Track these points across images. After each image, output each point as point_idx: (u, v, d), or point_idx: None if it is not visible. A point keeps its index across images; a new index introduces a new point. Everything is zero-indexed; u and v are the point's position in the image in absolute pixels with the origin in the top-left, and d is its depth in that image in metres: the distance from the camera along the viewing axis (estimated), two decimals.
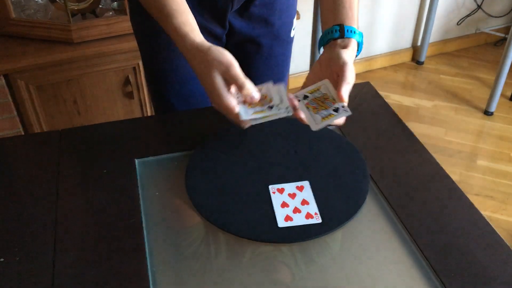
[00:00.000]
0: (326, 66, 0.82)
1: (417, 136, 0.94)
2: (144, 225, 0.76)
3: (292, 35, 1.15)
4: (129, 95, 1.80)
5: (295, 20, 1.14)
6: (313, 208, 0.77)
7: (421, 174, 0.85)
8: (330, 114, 0.77)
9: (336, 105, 0.77)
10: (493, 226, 0.75)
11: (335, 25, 0.83)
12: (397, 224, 0.76)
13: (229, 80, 0.75)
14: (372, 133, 0.95)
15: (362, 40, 0.84)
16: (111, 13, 1.80)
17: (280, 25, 1.09)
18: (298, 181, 0.82)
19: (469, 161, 2.20)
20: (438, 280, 0.67)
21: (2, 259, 0.71)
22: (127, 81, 1.77)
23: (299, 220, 0.75)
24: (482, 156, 2.23)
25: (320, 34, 0.87)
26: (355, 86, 1.07)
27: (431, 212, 0.77)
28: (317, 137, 0.92)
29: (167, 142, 0.93)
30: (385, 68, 2.88)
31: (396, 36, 2.83)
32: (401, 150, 0.91)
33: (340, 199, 0.79)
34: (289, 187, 0.81)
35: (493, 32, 2.99)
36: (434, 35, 2.89)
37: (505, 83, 2.43)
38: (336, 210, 0.77)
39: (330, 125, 0.81)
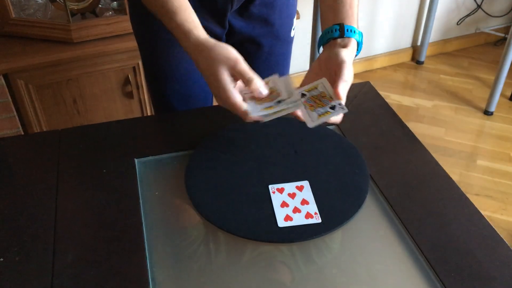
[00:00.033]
0: (325, 65, 0.82)
1: (417, 136, 0.94)
2: (144, 225, 0.76)
3: (292, 35, 1.15)
4: (129, 95, 1.80)
5: (295, 20, 1.14)
6: (313, 208, 0.77)
7: (421, 174, 0.85)
8: (326, 112, 0.78)
9: (333, 103, 0.77)
10: (493, 226, 0.75)
11: (335, 24, 0.83)
12: (397, 224, 0.76)
13: (236, 75, 0.76)
14: (372, 133, 0.95)
15: (362, 40, 0.84)
16: (110, 12, 1.80)
17: (280, 25, 1.09)
18: (298, 181, 0.82)
19: (469, 161, 2.20)
20: (438, 280, 0.67)
21: (1, 259, 0.70)
22: (127, 81, 1.76)
23: (299, 220, 0.75)
24: (482, 156, 2.23)
25: (320, 34, 0.87)
26: (355, 86, 1.07)
27: (431, 212, 0.77)
28: (317, 137, 0.92)
29: (167, 142, 0.93)
30: (385, 68, 2.88)
31: (396, 36, 2.83)
32: (401, 150, 0.91)
33: (340, 199, 0.79)
34: (289, 187, 0.81)
35: (493, 32, 2.99)
36: (434, 35, 2.89)
37: (505, 83, 2.43)
38: (336, 210, 0.77)
39: (328, 124, 0.81)
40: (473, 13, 2.92)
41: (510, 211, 1.95)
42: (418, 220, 0.76)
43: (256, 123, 0.78)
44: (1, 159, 0.91)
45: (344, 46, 0.81)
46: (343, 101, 0.77)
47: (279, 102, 0.78)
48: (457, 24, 2.95)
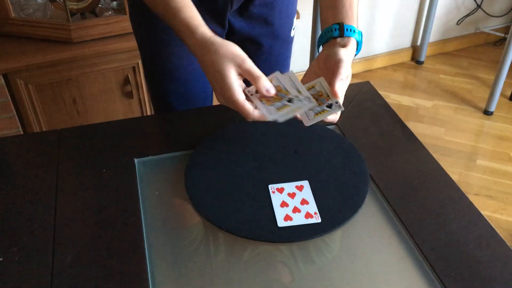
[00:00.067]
0: (324, 64, 0.82)
1: (417, 136, 0.94)
2: (143, 224, 0.76)
3: (292, 35, 1.15)
4: (129, 95, 1.80)
5: (295, 20, 1.14)
6: (312, 207, 0.77)
7: (421, 173, 0.85)
8: (323, 110, 0.78)
9: (330, 101, 0.78)
10: (492, 226, 0.75)
11: (335, 23, 0.83)
12: (397, 224, 0.76)
13: (243, 73, 0.76)
14: (372, 133, 0.95)
15: (361, 40, 0.84)
16: (110, 12, 1.79)
17: (280, 25, 1.09)
18: (297, 180, 0.82)
19: (468, 161, 2.20)
20: (438, 280, 0.67)
21: (1, 259, 0.70)
22: (126, 81, 1.76)
23: (298, 219, 0.75)
24: (481, 156, 2.23)
25: (319, 33, 0.87)
26: (355, 85, 1.07)
27: (430, 212, 0.77)
28: (317, 137, 0.92)
29: (166, 142, 0.93)
30: (384, 67, 2.88)
31: (395, 35, 2.83)
32: (401, 150, 0.91)
33: (339, 198, 0.79)
34: (289, 186, 0.81)
35: (492, 32, 2.99)
36: (433, 34, 2.89)
37: (505, 82, 2.43)
38: (336, 210, 0.77)
39: (326, 123, 0.81)
40: (473, 13, 2.92)
41: (510, 211, 1.95)
42: (418, 220, 0.76)
43: (257, 122, 0.78)
44: (1, 159, 0.90)
45: (344, 45, 0.81)
46: (340, 99, 0.77)
47: (289, 100, 0.78)
48: (457, 24, 2.95)
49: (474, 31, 3.04)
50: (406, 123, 0.97)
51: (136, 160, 0.88)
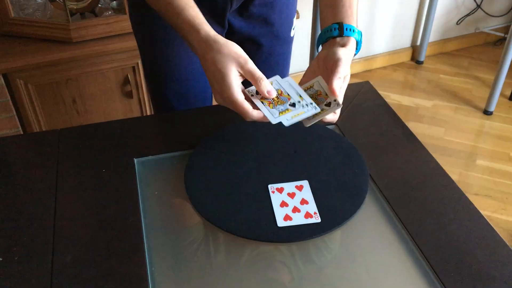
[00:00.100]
0: (323, 63, 0.82)
1: (417, 136, 0.94)
2: (143, 224, 0.76)
3: (292, 35, 1.15)
4: (128, 95, 1.80)
5: (295, 20, 1.14)
6: (312, 207, 0.77)
7: (421, 173, 0.85)
8: (322, 109, 0.78)
9: (328, 100, 0.78)
10: (492, 226, 0.75)
11: (334, 23, 0.83)
12: (397, 224, 0.76)
13: (244, 74, 0.76)
14: (371, 133, 0.95)
15: (361, 39, 0.84)
16: (110, 12, 1.79)
17: (280, 25, 1.09)
18: (297, 180, 0.82)
19: (468, 161, 2.20)
20: (438, 279, 0.67)
21: (0, 259, 0.70)
22: (126, 81, 1.76)
23: (298, 219, 0.75)
24: (481, 156, 2.23)
25: (319, 33, 0.87)
26: (355, 85, 1.07)
27: (430, 211, 0.77)
28: (316, 137, 0.92)
29: (166, 142, 0.93)
30: (384, 67, 2.88)
31: (395, 35, 2.83)
32: (401, 149, 0.91)
33: (339, 198, 0.79)
34: (289, 186, 0.81)
35: (492, 32, 2.99)
36: (433, 34, 2.89)
37: (505, 82, 2.43)
38: (336, 210, 0.77)
39: (326, 123, 0.81)
40: (472, 13, 2.92)
41: (510, 211, 1.95)
42: (418, 220, 0.76)
43: (257, 123, 0.78)
44: (1, 158, 0.90)
45: (343, 45, 0.81)
46: (340, 98, 0.77)
47: (292, 105, 0.78)
48: (456, 23, 2.95)
49: (474, 31, 3.04)
50: (406, 123, 0.97)
51: (136, 160, 0.88)
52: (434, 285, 0.67)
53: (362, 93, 1.06)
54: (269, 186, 0.81)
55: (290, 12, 1.11)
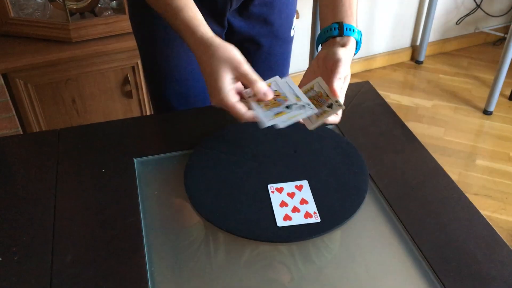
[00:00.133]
0: (323, 63, 0.82)
1: (416, 136, 0.94)
2: (143, 224, 0.76)
3: (292, 34, 1.15)
4: (128, 94, 1.80)
5: (294, 20, 1.14)
6: (312, 207, 0.77)
7: (420, 173, 0.85)
8: (324, 111, 0.77)
9: (330, 101, 0.77)
10: (492, 226, 0.75)
11: (334, 23, 0.83)
12: (396, 224, 0.76)
13: (239, 77, 0.75)
14: (371, 133, 0.95)
15: (360, 39, 0.84)
16: (109, 12, 1.79)
17: (279, 25, 1.09)
18: (297, 180, 0.82)
19: (468, 161, 2.20)
20: (437, 279, 0.67)
21: (0, 259, 0.70)
22: (126, 80, 1.76)
23: (298, 219, 0.75)
24: (481, 156, 2.23)
25: (319, 33, 0.87)
26: (354, 85, 1.07)
27: (430, 211, 0.77)
28: (316, 136, 0.92)
29: (166, 141, 0.93)
30: (384, 67, 2.88)
31: (395, 35, 2.83)
32: (400, 149, 0.91)
33: (339, 198, 0.79)
34: (288, 186, 0.81)
35: (492, 32, 2.99)
36: (433, 34, 2.89)
37: (504, 82, 2.43)
38: (335, 210, 0.77)
39: (327, 124, 0.81)
40: (472, 13, 2.92)
41: (510, 210, 1.95)
42: (418, 220, 0.76)
43: (250, 125, 0.78)
44: (0, 158, 0.90)
45: (343, 45, 0.81)
46: (341, 98, 0.77)
47: (287, 107, 0.77)
48: (456, 23, 2.95)
49: (473, 31, 3.04)
50: (406, 123, 0.97)
51: (135, 160, 0.88)
52: (433, 285, 0.67)
53: (361, 93, 1.06)
54: (269, 186, 0.81)
55: (290, 12, 1.11)
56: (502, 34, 2.95)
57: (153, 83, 1.12)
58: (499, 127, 2.41)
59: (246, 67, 0.75)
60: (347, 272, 0.70)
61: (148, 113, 1.87)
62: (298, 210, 0.77)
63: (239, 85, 0.78)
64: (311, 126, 0.78)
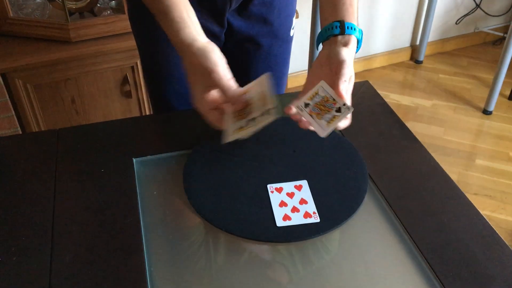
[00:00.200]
0: (325, 64, 0.81)
1: (416, 136, 0.94)
2: (142, 224, 0.76)
3: (291, 34, 1.15)
4: (127, 94, 1.80)
5: (294, 19, 1.14)
6: (311, 207, 0.77)
7: (420, 173, 0.85)
8: (334, 116, 0.76)
9: (338, 105, 0.76)
10: (492, 226, 0.75)
11: (336, 21, 0.83)
12: (396, 224, 0.76)
13: (212, 85, 0.78)
14: (371, 132, 0.94)
15: (361, 38, 0.84)
16: (109, 12, 1.79)
17: (279, 24, 1.09)
18: (296, 180, 0.82)
19: (468, 160, 2.20)
20: (437, 279, 0.67)
21: None
22: (125, 80, 1.76)
23: (297, 219, 0.75)
24: (481, 155, 2.23)
25: (319, 32, 0.87)
26: (354, 85, 1.06)
27: (429, 211, 0.77)
28: (315, 136, 0.91)
29: (165, 141, 0.93)
30: (383, 67, 2.88)
31: (394, 35, 2.83)
32: (400, 149, 0.91)
33: (338, 198, 0.79)
34: (288, 186, 0.81)
35: (491, 31, 2.99)
36: (432, 34, 2.89)
37: (504, 82, 2.43)
38: (335, 210, 0.77)
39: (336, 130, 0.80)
40: (472, 13, 2.92)
41: (509, 210, 1.95)
42: (417, 220, 0.76)
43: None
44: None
45: (345, 43, 0.81)
46: (348, 101, 0.77)
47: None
48: (456, 23, 2.95)
49: (473, 31, 3.04)
50: (405, 122, 0.97)
51: (134, 160, 0.88)
52: (433, 285, 0.67)
53: (361, 93, 1.06)
54: (268, 186, 0.81)
55: (290, 11, 1.11)
56: (501, 34, 2.95)
57: (153, 83, 1.12)
58: (499, 127, 2.41)
59: (217, 76, 0.76)
60: (347, 272, 0.69)
61: (147, 113, 1.87)
62: (298, 210, 0.76)
63: (215, 93, 0.80)
64: (323, 134, 0.77)
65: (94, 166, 0.86)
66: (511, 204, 1.97)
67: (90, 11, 1.77)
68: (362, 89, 1.07)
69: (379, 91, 1.07)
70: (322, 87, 0.79)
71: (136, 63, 1.73)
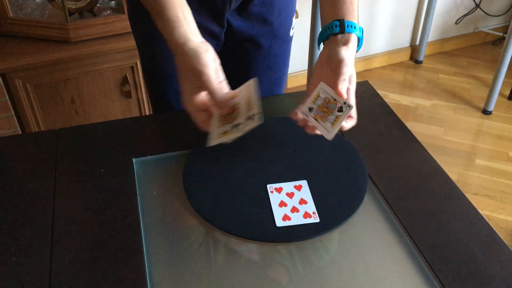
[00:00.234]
0: (326, 65, 0.81)
1: (416, 136, 0.94)
2: (141, 224, 0.76)
3: (291, 34, 1.15)
4: (127, 94, 1.80)
5: (294, 19, 1.14)
6: (311, 207, 0.77)
7: (420, 173, 0.85)
8: (337, 117, 0.76)
9: (339, 105, 0.76)
10: (491, 226, 0.75)
11: (336, 20, 0.83)
12: (395, 224, 0.76)
13: (201, 87, 0.78)
14: (370, 132, 0.94)
15: (362, 36, 0.84)
16: (108, 12, 1.79)
17: (279, 24, 1.09)
18: (296, 180, 0.82)
19: (467, 160, 2.20)
20: (437, 279, 0.67)
21: None
22: (125, 80, 1.76)
23: (297, 219, 0.75)
24: (480, 155, 2.23)
25: (319, 32, 0.87)
26: None
27: (429, 211, 0.77)
28: (315, 136, 0.91)
29: (165, 141, 0.93)
30: (383, 67, 2.88)
31: (394, 35, 2.83)
32: (400, 149, 0.91)
33: (338, 198, 0.79)
34: (287, 186, 0.81)
35: (491, 31, 2.99)
36: (432, 34, 2.89)
37: (504, 82, 2.43)
38: (334, 210, 0.77)
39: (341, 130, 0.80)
40: (471, 12, 2.92)
41: (509, 210, 1.95)
42: (417, 220, 0.76)
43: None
44: None
45: (345, 42, 0.81)
46: (351, 100, 0.77)
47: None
48: (455, 23, 2.95)
49: (473, 31, 3.04)
50: (405, 122, 0.97)
51: (134, 160, 0.88)
52: (433, 285, 0.67)
53: (361, 93, 1.06)
54: (268, 186, 0.81)
55: (290, 11, 1.11)
56: (501, 34, 2.95)
57: (153, 83, 1.12)
58: (499, 127, 2.41)
59: (207, 78, 0.76)
60: (346, 272, 0.69)
61: (147, 113, 1.87)
62: (297, 210, 0.76)
63: (204, 94, 0.80)
64: (329, 136, 0.77)
65: (94, 166, 0.86)
66: (511, 204, 1.97)
67: (90, 11, 1.77)
68: (362, 89, 1.07)
69: (378, 91, 1.07)
70: (323, 88, 0.79)
71: (136, 63, 1.73)
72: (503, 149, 2.27)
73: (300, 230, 0.74)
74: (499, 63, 2.35)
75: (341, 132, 0.94)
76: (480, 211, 0.77)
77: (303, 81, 2.63)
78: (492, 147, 2.28)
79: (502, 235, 0.86)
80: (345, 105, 0.75)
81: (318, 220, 0.75)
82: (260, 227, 0.74)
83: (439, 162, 0.87)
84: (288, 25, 1.12)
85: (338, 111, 0.76)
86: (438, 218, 0.76)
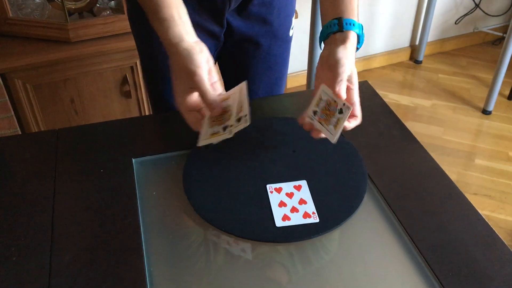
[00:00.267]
0: (326, 66, 0.81)
1: (415, 136, 0.94)
2: (141, 224, 0.76)
3: (290, 34, 1.15)
4: (127, 94, 1.80)
5: (293, 19, 1.14)
6: (310, 207, 0.77)
7: (419, 173, 0.85)
8: (338, 119, 0.76)
9: (339, 106, 0.76)
10: (491, 225, 0.75)
11: (334, 18, 0.83)
12: (395, 224, 0.76)
13: (194, 86, 0.78)
14: (370, 132, 0.94)
15: (362, 32, 0.83)
16: (108, 12, 1.79)
17: (278, 24, 1.09)
18: (295, 180, 0.82)
19: (467, 160, 2.20)
20: (436, 279, 0.67)
21: None
22: (124, 80, 1.76)
23: (296, 219, 0.75)
24: (480, 155, 2.23)
25: (318, 33, 0.87)
26: None
27: (429, 211, 0.77)
28: None
29: (164, 141, 0.93)
30: (383, 67, 2.88)
31: (394, 35, 2.83)
32: (399, 149, 0.91)
33: (337, 198, 0.79)
34: (287, 186, 0.81)
35: (491, 31, 2.99)
36: (432, 34, 2.89)
37: (503, 82, 2.43)
38: (334, 210, 0.77)
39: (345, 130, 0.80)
40: (471, 12, 2.92)
41: (508, 210, 1.95)
42: (416, 220, 0.76)
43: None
44: None
45: (343, 41, 0.80)
46: (355, 100, 0.77)
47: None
48: (455, 23, 2.95)
49: (472, 31, 3.04)
50: (405, 122, 0.97)
51: (134, 160, 0.88)
52: (432, 285, 0.67)
53: (360, 93, 1.05)
54: (267, 186, 0.81)
55: (289, 11, 1.11)
56: (501, 34, 2.95)
57: (152, 83, 1.12)
58: (498, 127, 2.41)
59: (199, 79, 0.76)
60: (346, 272, 0.70)
61: (146, 113, 1.87)
62: (297, 210, 0.77)
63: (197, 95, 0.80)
64: (333, 139, 0.77)
65: (94, 166, 0.86)
66: (510, 204, 1.97)
67: (90, 11, 1.77)
68: (362, 89, 1.07)
69: (378, 91, 1.07)
70: (323, 90, 0.79)
71: (136, 63, 1.73)
72: (502, 149, 2.27)
73: (300, 230, 0.74)
74: (499, 63, 2.36)
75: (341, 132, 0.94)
76: (479, 211, 0.77)
77: (303, 81, 2.63)
78: (492, 147, 2.28)
79: (501, 235, 0.86)
80: (344, 106, 0.75)
81: (317, 220, 0.75)
82: (260, 227, 0.74)
83: (438, 162, 0.87)
84: (288, 25, 1.12)
85: (339, 113, 0.76)
86: (437, 218, 0.76)
